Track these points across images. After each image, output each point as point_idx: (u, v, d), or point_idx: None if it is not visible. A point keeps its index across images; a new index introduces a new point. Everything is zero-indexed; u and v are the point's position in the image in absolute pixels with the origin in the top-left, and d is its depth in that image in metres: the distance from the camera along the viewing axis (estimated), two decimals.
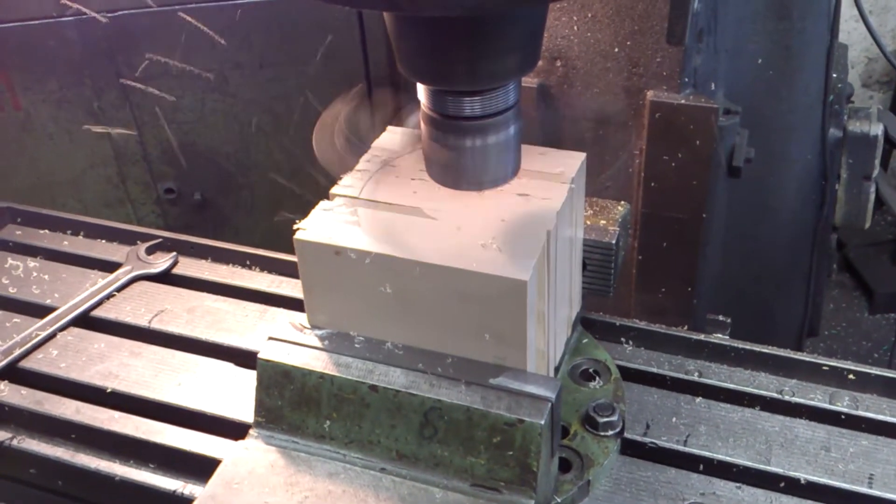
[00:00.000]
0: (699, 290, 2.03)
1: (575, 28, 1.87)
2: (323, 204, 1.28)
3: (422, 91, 1.21)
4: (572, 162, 1.34)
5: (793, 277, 2.45)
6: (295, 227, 1.23)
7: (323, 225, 1.23)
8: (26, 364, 1.54)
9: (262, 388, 1.24)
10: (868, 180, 2.31)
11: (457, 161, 1.22)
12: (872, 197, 2.33)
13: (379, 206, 1.27)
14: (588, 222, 1.45)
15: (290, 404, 1.23)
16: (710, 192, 1.89)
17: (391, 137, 1.43)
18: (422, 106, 1.22)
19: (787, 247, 2.38)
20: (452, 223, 1.22)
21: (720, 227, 2.07)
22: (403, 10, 1.05)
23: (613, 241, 1.42)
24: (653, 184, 1.91)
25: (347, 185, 1.32)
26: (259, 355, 1.24)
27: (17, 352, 1.54)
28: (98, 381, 1.49)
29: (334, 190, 1.31)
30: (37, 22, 2.84)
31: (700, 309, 2.08)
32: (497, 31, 1.10)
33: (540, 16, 1.17)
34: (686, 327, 1.54)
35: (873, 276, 4.35)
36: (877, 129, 2.26)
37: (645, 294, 2.04)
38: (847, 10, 2.27)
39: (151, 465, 1.37)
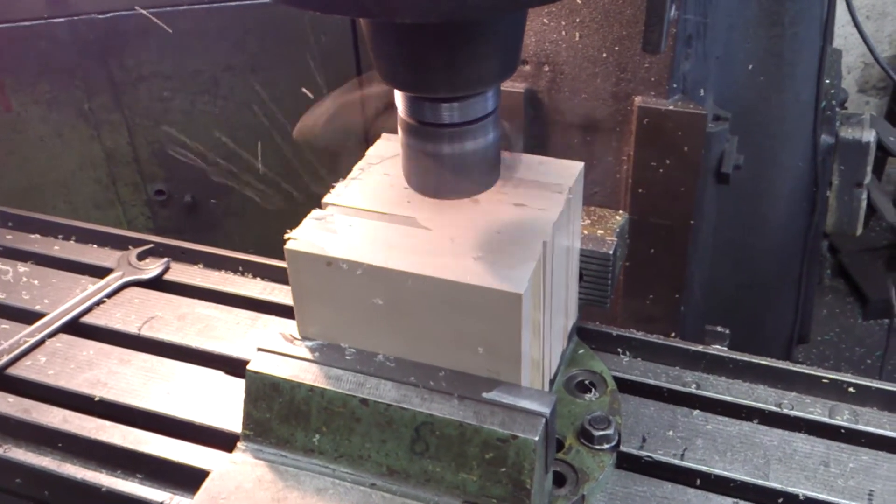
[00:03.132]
0: (687, 297, 2.02)
1: (563, 33, 1.86)
2: (314, 213, 1.26)
3: (399, 98, 1.18)
4: (570, 171, 1.32)
5: (783, 284, 2.43)
6: (286, 236, 1.21)
7: (314, 234, 1.21)
8: (14, 371, 1.52)
9: (251, 401, 1.22)
10: (860, 187, 2.29)
11: (434, 169, 1.20)
12: (864, 204, 2.32)
13: (372, 215, 1.25)
14: (585, 232, 1.44)
15: (279, 417, 1.21)
16: (698, 199, 1.88)
17: (385, 145, 1.41)
18: (399, 114, 1.20)
19: (777, 253, 2.36)
20: (446, 234, 1.20)
21: (709, 234, 2.05)
22: (374, 16, 1.03)
23: (611, 252, 1.40)
24: (640, 190, 1.90)
25: (340, 193, 1.30)
26: (248, 367, 1.22)
27: (5, 358, 1.52)
28: (86, 390, 1.47)
29: (326, 198, 1.29)
30: (28, 23, 2.83)
31: (688, 316, 2.07)
32: (474, 37, 1.07)
33: (519, 21, 1.15)
34: (674, 335, 1.53)
35: (867, 283, 4.36)
36: (869, 136, 2.24)
37: (632, 301, 2.03)
38: (843, 15, 2.26)
39: (139, 476, 1.35)
